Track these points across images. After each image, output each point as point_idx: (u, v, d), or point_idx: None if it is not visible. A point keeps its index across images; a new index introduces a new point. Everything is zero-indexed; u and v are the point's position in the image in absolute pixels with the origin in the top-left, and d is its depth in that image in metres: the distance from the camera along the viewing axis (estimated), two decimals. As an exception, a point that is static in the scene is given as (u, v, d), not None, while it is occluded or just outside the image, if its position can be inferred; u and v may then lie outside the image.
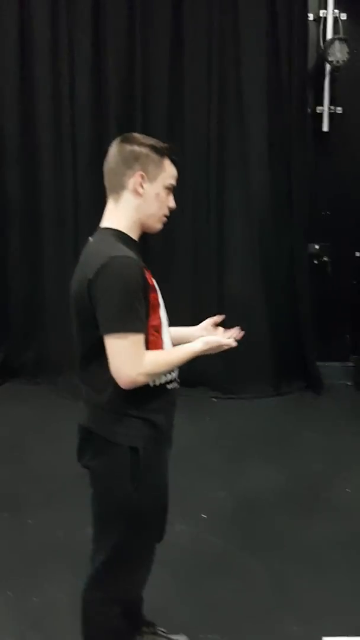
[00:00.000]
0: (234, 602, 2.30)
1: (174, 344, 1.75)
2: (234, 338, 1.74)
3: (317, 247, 4.62)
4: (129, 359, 1.53)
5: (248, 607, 2.27)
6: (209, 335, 1.75)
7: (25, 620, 2.20)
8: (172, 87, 4.40)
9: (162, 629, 2.01)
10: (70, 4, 4.27)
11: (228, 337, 1.73)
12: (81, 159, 4.43)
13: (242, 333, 1.77)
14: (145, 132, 3.91)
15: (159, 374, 1.62)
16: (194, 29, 4.32)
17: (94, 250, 1.62)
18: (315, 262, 4.65)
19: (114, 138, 4.56)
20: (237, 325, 1.85)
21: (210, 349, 1.69)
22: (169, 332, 1.73)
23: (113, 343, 1.53)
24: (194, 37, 4.33)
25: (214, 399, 4.37)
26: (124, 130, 4.17)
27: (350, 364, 4.77)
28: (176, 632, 2.05)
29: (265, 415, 4.16)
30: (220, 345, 1.70)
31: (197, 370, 4.35)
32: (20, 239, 4.62)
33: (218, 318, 1.88)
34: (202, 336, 1.84)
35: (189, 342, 1.85)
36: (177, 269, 4.43)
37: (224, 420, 4.04)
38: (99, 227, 1.70)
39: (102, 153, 4.69)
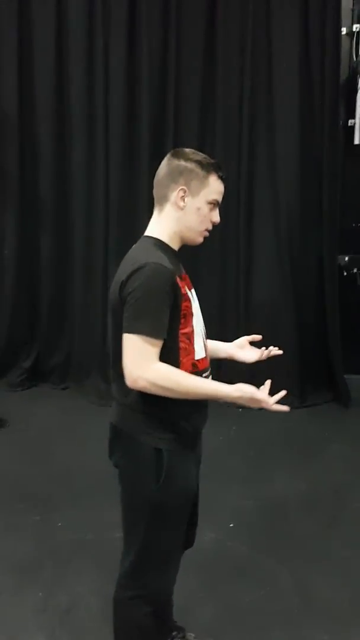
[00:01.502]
0: (261, 609, 2.31)
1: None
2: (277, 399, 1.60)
3: (346, 258, 4.61)
4: (136, 359, 1.56)
5: (275, 614, 2.28)
6: (246, 387, 1.59)
7: (55, 619, 2.24)
8: (204, 98, 4.47)
9: (192, 634, 2.03)
10: (106, 13, 4.37)
11: (270, 396, 1.59)
12: (114, 168, 4.51)
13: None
14: (176, 145, 4.05)
15: (166, 390, 1.57)
16: (226, 41, 4.38)
17: (132, 256, 1.68)
18: (345, 273, 4.65)
19: (146, 148, 4.65)
20: (265, 344, 1.86)
21: (242, 398, 1.58)
22: (203, 341, 1.75)
23: (126, 341, 1.58)
24: (226, 52, 4.39)
25: (239, 409, 4.37)
26: (156, 142, 4.32)
27: (378, 377, 4.74)
28: (204, 637, 2.06)
29: (291, 426, 4.15)
30: (257, 401, 1.57)
31: (223, 380, 4.36)
32: (51, 247, 4.72)
33: (255, 337, 1.89)
34: (233, 353, 1.91)
35: (217, 356, 1.91)
36: (205, 276, 4.46)
37: (250, 430, 4.04)
38: (143, 235, 1.75)
39: (134, 162, 4.80)
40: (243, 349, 1.93)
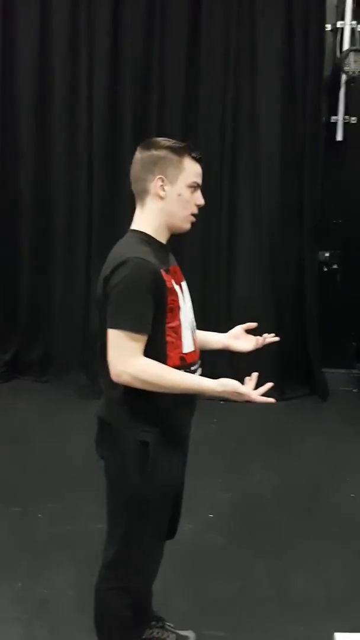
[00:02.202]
0: (238, 599, 2.34)
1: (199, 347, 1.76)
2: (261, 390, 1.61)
3: (327, 254, 4.66)
4: (118, 354, 1.58)
5: (252, 605, 2.31)
6: (229, 382, 1.60)
7: (33, 610, 2.24)
8: (187, 93, 4.46)
9: (170, 624, 2.05)
10: (91, 8, 4.34)
11: (254, 389, 1.60)
12: (96, 162, 4.48)
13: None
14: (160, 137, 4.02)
15: (149, 384, 1.58)
16: (210, 38, 4.38)
17: (116, 251, 1.68)
18: (325, 269, 4.69)
19: (129, 143, 4.62)
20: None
21: (225, 392, 1.59)
22: (192, 334, 1.75)
23: (109, 336, 1.60)
24: (210, 45, 4.39)
25: (220, 402, 4.39)
26: (140, 132, 4.30)
27: (356, 371, 4.81)
28: (181, 628, 2.09)
29: (270, 419, 4.19)
30: (240, 395, 1.58)
31: (203, 374, 4.38)
32: (31, 238, 4.67)
33: (250, 325, 1.89)
34: (229, 344, 1.90)
35: (211, 347, 1.90)
36: (185, 272, 4.45)
37: (230, 423, 4.07)
38: (129, 229, 1.75)
39: (117, 156, 4.77)
40: (238, 339, 1.91)
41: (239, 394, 1.59)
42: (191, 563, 2.52)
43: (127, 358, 1.57)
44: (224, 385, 1.59)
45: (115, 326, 1.58)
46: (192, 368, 1.71)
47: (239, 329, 1.92)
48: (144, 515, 1.71)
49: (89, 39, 4.37)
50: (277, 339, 1.93)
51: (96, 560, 1.84)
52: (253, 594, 2.38)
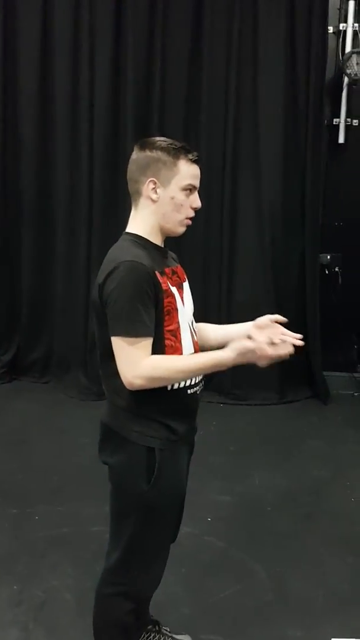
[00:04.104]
0: (236, 604, 2.32)
1: (218, 344, 1.70)
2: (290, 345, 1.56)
3: (328, 257, 4.64)
4: (127, 361, 1.55)
5: (250, 609, 2.29)
6: (240, 344, 1.54)
7: (29, 613, 2.23)
8: (189, 94, 4.45)
9: (167, 628, 2.03)
10: (93, 6, 4.34)
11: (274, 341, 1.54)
12: (97, 162, 4.48)
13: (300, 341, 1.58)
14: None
15: (164, 379, 1.58)
16: (212, 39, 4.36)
17: (110, 255, 1.65)
18: (326, 272, 4.68)
19: (130, 142, 4.61)
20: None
21: (242, 357, 1.53)
22: (192, 336, 1.72)
23: (115, 344, 1.57)
24: (212, 47, 4.37)
25: (220, 404, 4.39)
26: (141, 134, 4.29)
27: (357, 374, 4.78)
28: (179, 632, 2.07)
29: (270, 422, 4.19)
30: (260, 354, 1.52)
31: (204, 375, 4.36)
32: (33, 239, 4.67)
33: (279, 318, 1.69)
34: (247, 336, 1.64)
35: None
36: (187, 275, 4.45)
37: (230, 426, 4.06)
38: (124, 232, 1.72)
39: (118, 155, 4.76)
40: (264, 331, 1.68)
41: (254, 350, 1.52)
42: (189, 566, 2.50)
43: (135, 364, 1.54)
44: (238, 350, 1.53)
45: (116, 333, 1.56)
46: None
47: (266, 319, 1.70)
48: (150, 522, 1.69)
49: (91, 37, 4.35)
50: (302, 343, 1.64)
51: (94, 563, 1.83)
52: (251, 597, 2.36)
